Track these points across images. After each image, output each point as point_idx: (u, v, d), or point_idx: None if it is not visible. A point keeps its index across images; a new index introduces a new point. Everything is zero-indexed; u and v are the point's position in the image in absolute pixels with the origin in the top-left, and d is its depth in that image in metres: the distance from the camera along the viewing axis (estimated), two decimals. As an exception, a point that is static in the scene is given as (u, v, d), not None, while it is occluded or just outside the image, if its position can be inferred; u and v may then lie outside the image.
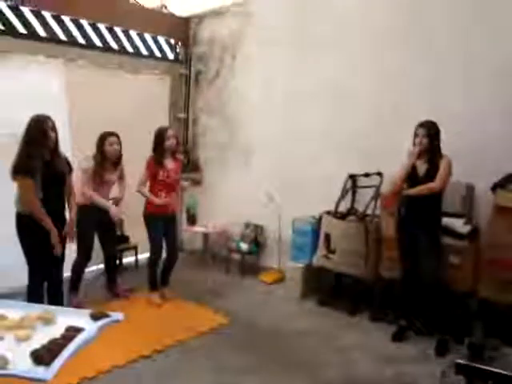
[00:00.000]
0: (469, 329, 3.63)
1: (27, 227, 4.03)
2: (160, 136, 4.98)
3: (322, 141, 5.55)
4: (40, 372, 1.39)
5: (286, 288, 5.57)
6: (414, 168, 4.16)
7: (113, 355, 3.92)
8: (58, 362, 1.41)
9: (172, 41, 6.94)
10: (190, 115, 7.16)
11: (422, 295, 4.25)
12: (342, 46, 5.38)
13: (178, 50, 7.02)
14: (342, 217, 5.09)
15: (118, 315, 1.73)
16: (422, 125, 4.12)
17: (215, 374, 3.73)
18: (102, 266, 5.40)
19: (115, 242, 5.47)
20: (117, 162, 5.01)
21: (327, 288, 5.22)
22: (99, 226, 5.02)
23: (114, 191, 5.20)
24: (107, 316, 1.71)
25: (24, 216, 4.03)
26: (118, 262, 5.73)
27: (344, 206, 5.23)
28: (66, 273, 4.65)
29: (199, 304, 5.13)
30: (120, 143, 4.95)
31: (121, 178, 5.16)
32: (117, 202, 5.13)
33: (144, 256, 6.29)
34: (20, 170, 3.90)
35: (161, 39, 6.78)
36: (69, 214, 4.35)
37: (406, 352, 4.12)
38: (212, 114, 6.88)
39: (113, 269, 5.38)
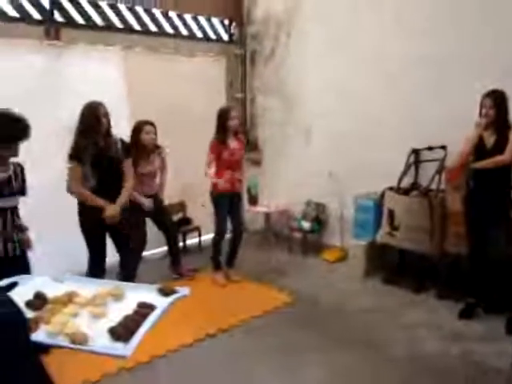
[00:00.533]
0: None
1: (83, 213, 4.19)
2: (223, 116, 5.00)
3: (382, 116, 5.40)
4: (119, 348, 1.44)
5: (349, 266, 5.51)
6: (481, 140, 3.99)
7: (180, 334, 4.04)
8: (135, 339, 1.45)
9: (226, 21, 6.91)
10: (247, 95, 7.14)
11: (490, 271, 4.12)
12: (400, 17, 5.18)
13: (232, 31, 6.99)
14: (406, 192, 4.97)
15: (184, 290, 1.76)
16: (488, 95, 3.93)
17: (281, 353, 3.76)
18: (165, 247, 5.54)
19: (172, 224, 5.57)
20: (152, 151, 4.99)
21: (391, 265, 5.14)
22: (152, 212, 5.09)
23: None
24: (175, 292, 1.74)
25: (79, 203, 4.18)
26: (180, 243, 5.82)
27: (407, 182, 5.10)
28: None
29: (263, 283, 5.18)
30: (156, 132, 4.95)
31: (162, 167, 5.15)
32: (159, 190, 5.17)
33: (207, 237, 6.41)
34: (71, 157, 4.05)
35: (215, 20, 6.76)
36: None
37: (474, 330, 4.01)
38: (269, 93, 6.83)
39: (175, 250, 5.50)
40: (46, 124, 4.48)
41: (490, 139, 3.97)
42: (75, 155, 4.05)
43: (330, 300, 4.77)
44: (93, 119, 4.05)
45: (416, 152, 5.09)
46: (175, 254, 5.49)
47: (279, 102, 6.67)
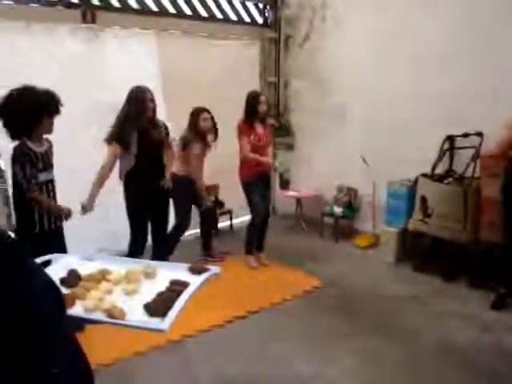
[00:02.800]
0: None
1: (129, 193, 4.40)
2: (253, 100, 5.01)
3: (417, 102, 5.30)
4: (156, 323, 1.47)
5: (381, 252, 5.49)
6: None
7: (210, 315, 4.10)
8: (171, 314, 1.48)
9: (260, 5, 6.87)
10: (280, 79, 7.11)
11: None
12: (439, 7, 5.07)
13: (266, 14, 6.94)
14: (440, 179, 4.91)
15: (215, 269, 1.78)
16: None
17: (310, 337, 3.80)
18: (198, 230, 5.61)
19: (207, 208, 5.61)
20: (213, 136, 5.11)
21: (423, 253, 5.09)
22: (194, 195, 5.19)
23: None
24: (206, 270, 1.76)
25: (125, 183, 4.39)
26: (211, 227, 5.89)
27: (442, 168, 5.03)
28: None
29: (293, 268, 5.20)
30: (213, 117, 5.05)
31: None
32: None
33: (238, 220, 6.47)
34: (114, 140, 4.19)
35: (249, 4, 6.73)
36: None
37: (507, 321, 3.95)
38: (303, 77, 6.79)
39: (207, 233, 5.58)
40: (82, 105, 4.58)
41: None
42: (118, 138, 4.18)
43: (361, 286, 4.77)
44: (140, 104, 4.20)
45: (451, 138, 5.01)
46: (207, 237, 5.56)
47: (313, 87, 6.63)
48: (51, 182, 3.55)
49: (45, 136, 3.50)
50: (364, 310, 4.26)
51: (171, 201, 4.89)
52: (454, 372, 3.27)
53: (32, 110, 3.22)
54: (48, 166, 3.49)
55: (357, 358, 3.47)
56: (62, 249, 3.47)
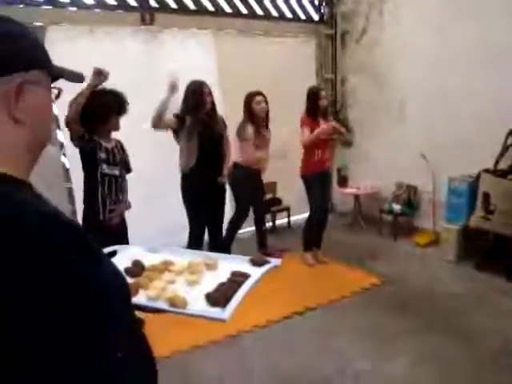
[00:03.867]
0: None
1: (187, 185, 4.58)
2: (314, 95, 5.02)
3: (479, 96, 5.13)
4: (217, 312, 1.51)
5: (441, 250, 5.37)
6: None
7: (268, 310, 4.15)
8: (232, 304, 1.51)
9: (316, 1, 6.86)
10: (337, 75, 7.08)
11: None
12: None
13: (322, 11, 6.92)
14: (503, 175, 4.75)
15: (276, 261, 1.80)
16: None
17: (369, 334, 3.77)
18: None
19: (263, 205, 5.68)
20: (265, 120, 5.12)
21: (485, 251, 4.94)
22: (257, 188, 5.27)
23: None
24: (267, 262, 1.79)
25: (183, 176, 4.56)
26: (269, 223, 5.90)
27: (505, 164, 4.87)
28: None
29: (351, 265, 5.17)
30: (267, 101, 5.06)
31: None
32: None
33: (296, 218, 6.49)
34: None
35: (305, 1, 6.73)
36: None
37: None
38: (360, 73, 6.72)
39: (262, 231, 5.60)
40: (144, 104, 4.74)
41: None
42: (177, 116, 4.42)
43: (421, 284, 4.70)
44: (198, 96, 4.34)
45: (515, 133, 4.85)
46: (262, 236, 5.61)
47: (370, 82, 6.56)
48: (116, 177, 3.62)
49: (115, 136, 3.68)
50: (423, 308, 4.19)
51: (231, 191, 5.10)
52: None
53: (100, 110, 3.38)
54: (114, 162, 3.63)
55: (415, 356, 3.42)
56: (126, 241, 3.62)
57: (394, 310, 4.17)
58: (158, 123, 4.27)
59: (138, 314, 1.57)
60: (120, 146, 3.73)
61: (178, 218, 4.76)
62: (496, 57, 4.92)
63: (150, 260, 1.82)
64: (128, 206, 3.77)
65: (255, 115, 5.00)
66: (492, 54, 4.96)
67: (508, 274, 4.62)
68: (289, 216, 6.61)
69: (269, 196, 6.32)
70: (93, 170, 3.52)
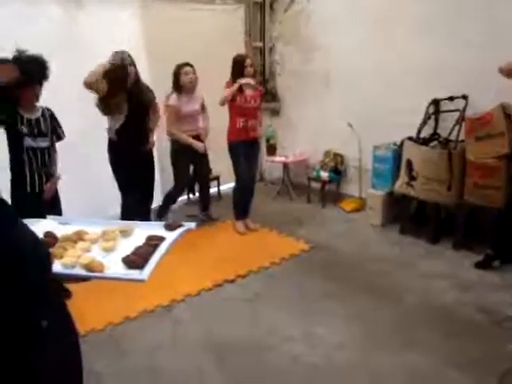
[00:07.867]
0: None
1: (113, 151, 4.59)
2: (239, 63, 4.99)
3: (402, 65, 5.27)
4: (136, 274, 1.52)
5: (367, 216, 5.55)
6: None
7: (199, 279, 4.18)
8: (149, 265, 1.53)
9: (245, -32, 6.75)
10: (266, 44, 7.04)
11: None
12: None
13: (251, -22, 6.83)
14: (425, 142, 4.94)
15: (190, 224, 1.83)
16: None
17: (298, 299, 3.87)
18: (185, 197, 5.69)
19: (208, 172, 5.72)
20: (192, 91, 5.13)
21: (409, 216, 5.16)
22: (194, 157, 5.25)
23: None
24: (181, 226, 1.82)
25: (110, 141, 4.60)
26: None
27: (427, 132, 5.06)
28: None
29: (281, 232, 5.25)
30: (195, 72, 5.05)
31: (202, 109, 5.29)
32: (203, 134, 5.29)
33: (226, 187, 6.48)
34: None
35: (233, -33, 6.61)
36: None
37: (490, 280, 4.04)
38: (288, 42, 6.73)
39: (206, 197, 5.68)
40: (66, 72, 4.52)
41: None
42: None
43: (347, 249, 4.84)
44: (119, 69, 4.23)
45: (436, 102, 5.01)
46: (207, 200, 5.69)
47: (298, 51, 6.58)
48: (41, 149, 3.52)
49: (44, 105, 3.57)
50: (351, 272, 4.33)
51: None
52: (438, 329, 3.36)
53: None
54: (40, 133, 3.49)
55: (344, 318, 3.55)
56: (57, 213, 3.51)
57: (323, 274, 4.29)
58: (93, 84, 4.11)
59: (66, 286, 1.52)
60: (49, 115, 3.57)
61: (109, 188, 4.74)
62: (424, 26, 5.04)
63: (62, 232, 1.77)
64: (58, 178, 3.66)
65: (183, 86, 5.02)
66: (420, 23, 5.08)
67: (430, 237, 4.85)
68: (218, 185, 6.58)
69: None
70: (16, 144, 3.39)
